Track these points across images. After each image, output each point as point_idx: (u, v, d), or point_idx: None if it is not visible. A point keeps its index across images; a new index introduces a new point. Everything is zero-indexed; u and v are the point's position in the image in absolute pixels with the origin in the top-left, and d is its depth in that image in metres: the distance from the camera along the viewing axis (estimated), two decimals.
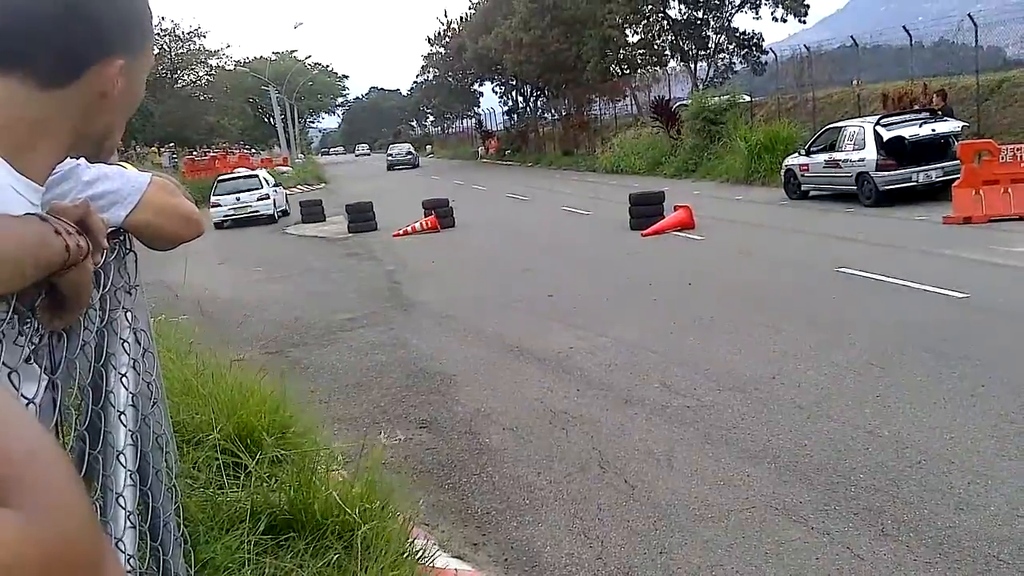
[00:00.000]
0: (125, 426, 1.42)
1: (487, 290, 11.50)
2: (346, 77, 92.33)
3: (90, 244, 1.03)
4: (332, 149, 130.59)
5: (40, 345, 1.06)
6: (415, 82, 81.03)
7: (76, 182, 1.27)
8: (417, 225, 18.58)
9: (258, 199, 25.55)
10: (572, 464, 5.29)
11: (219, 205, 25.14)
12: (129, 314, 1.53)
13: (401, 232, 18.42)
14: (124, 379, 1.46)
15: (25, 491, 0.53)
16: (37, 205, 1.05)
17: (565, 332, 8.60)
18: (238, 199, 25.39)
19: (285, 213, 26.78)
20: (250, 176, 27.13)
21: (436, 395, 7.05)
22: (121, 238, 1.39)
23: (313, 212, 24.36)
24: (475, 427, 6.17)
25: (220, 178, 27.22)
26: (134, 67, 1.11)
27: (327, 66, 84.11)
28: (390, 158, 58.34)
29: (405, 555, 3.27)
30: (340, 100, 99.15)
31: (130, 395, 1.47)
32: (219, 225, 24.45)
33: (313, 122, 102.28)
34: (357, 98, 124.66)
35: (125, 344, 1.48)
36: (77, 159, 1.25)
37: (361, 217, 20.45)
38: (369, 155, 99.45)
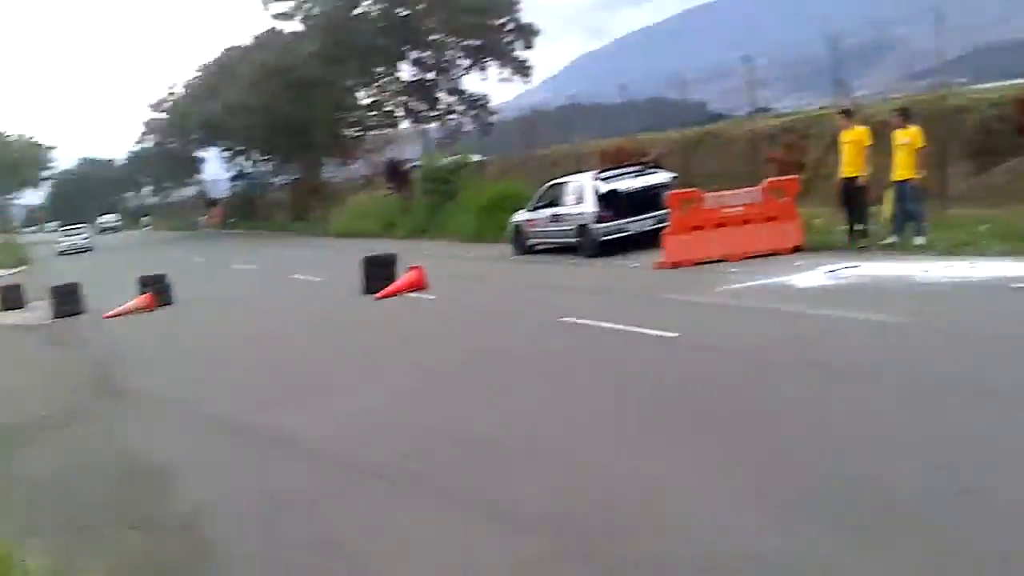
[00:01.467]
0: None
1: (207, 369, 10.79)
2: (53, 148, 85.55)
3: None
4: (45, 225, 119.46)
5: None
6: (131, 151, 76.53)
7: None
8: (131, 304, 17.20)
9: None
10: (301, 550, 4.92)
11: None
12: None
13: (113, 313, 16.96)
14: None
15: None
16: None
17: (292, 407, 8.17)
18: None
19: None
20: None
21: (152, 490, 6.37)
22: None
23: (10, 298, 21.86)
24: (195, 521, 5.62)
25: None
26: None
27: (31, 137, 77.59)
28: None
29: None
30: (46, 173, 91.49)
31: None
32: None
33: (15, 198, 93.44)
34: (66, 170, 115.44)
35: None
36: None
37: (67, 300, 18.57)
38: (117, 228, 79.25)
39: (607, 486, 5.19)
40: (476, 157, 29.14)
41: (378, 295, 14.65)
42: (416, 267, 15.31)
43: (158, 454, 7.25)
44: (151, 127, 63.88)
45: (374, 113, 40.40)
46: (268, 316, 14.75)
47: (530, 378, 8.16)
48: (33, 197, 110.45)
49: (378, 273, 15.38)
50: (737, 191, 14.74)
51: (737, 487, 4.89)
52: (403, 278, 15.15)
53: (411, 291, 14.71)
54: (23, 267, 39.55)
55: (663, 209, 15.53)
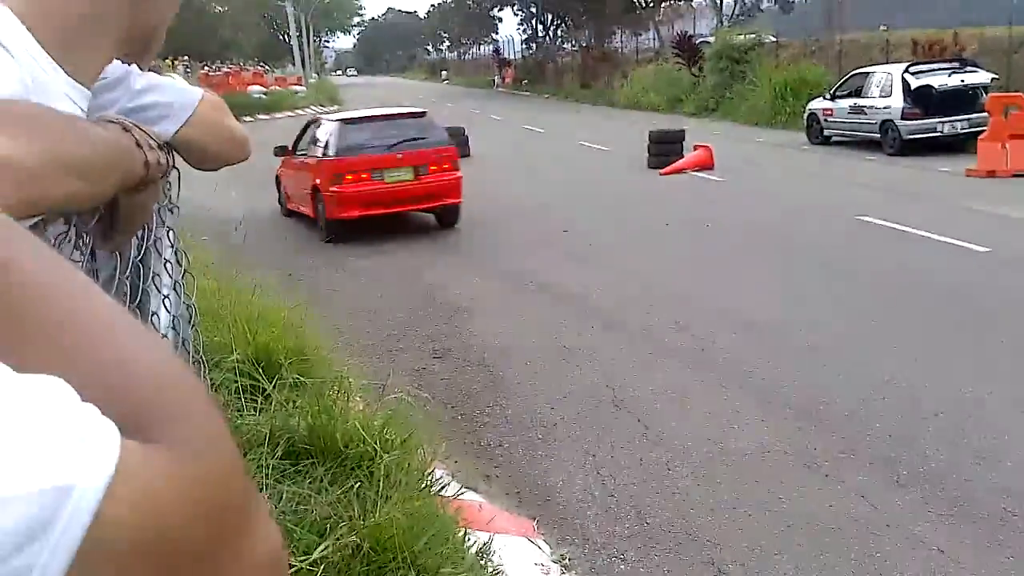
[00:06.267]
0: None
1: (501, 223, 11.40)
2: None
3: (169, 162, 0.96)
4: (348, 70, 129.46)
5: (93, 265, 1.01)
6: (432, 4, 79.56)
7: (126, 90, 1.20)
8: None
9: None
10: (586, 401, 5.29)
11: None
12: (171, 233, 1.48)
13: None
14: (167, 301, 1.41)
15: (171, 422, 0.45)
16: (84, 112, 0.97)
17: (580, 268, 8.55)
18: None
19: None
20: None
21: (449, 326, 7.04)
22: (167, 153, 1.32)
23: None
24: (488, 360, 6.17)
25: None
26: None
27: None
28: None
29: (425, 487, 3.27)
30: (356, 20, 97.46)
31: (171, 317, 1.43)
32: None
33: (328, 42, 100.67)
34: (373, 18, 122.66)
35: (168, 264, 1.43)
36: (127, 64, 1.18)
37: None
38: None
39: (896, 394, 5.07)
40: (772, 37, 27.54)
41: (664, 171, 14.61)
42: (704, 146, 15.03)
43: (457, 294, 7.92)
44: None
45: None
46: (558, 180, 15.15)
47: (821, 272, 7.94)
48: (344, 42, 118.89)
49: (665, 149, 15.28)
50: None
51: None
52: (690, 156, 14.96)
53: (698, 170, 14.53)
54: (335, 107, 43.09)
55: (980, 112, 14.25)
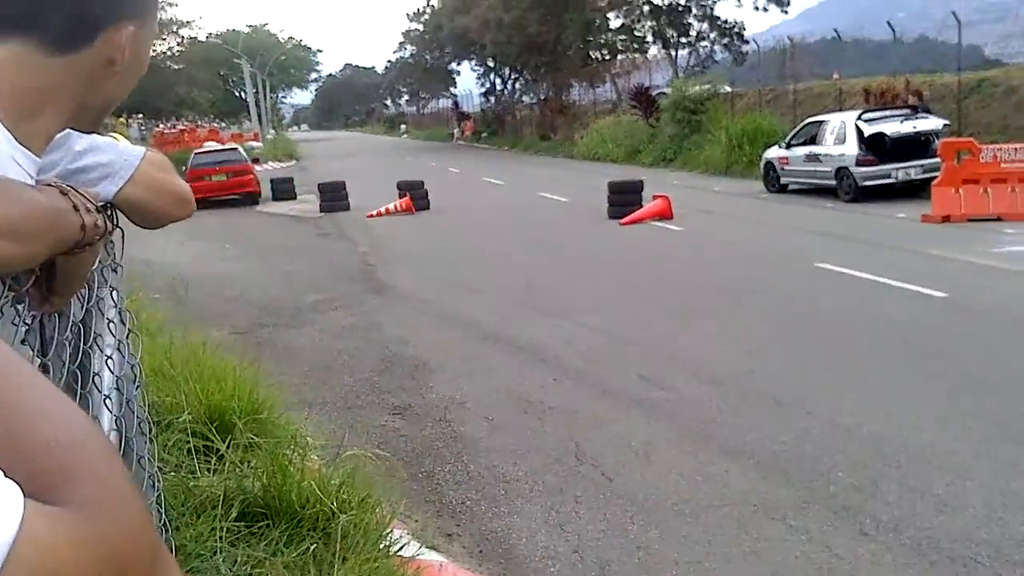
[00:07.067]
0: (110, 411, 1.33)
1: (462, 275, 11.39)
2: (320, 52, 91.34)
3: (107, 224, 0.96)
4: (302, 126, 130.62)
5: (32, 326, 0.98)
6: (390, 60, 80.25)
7: (67, 152, 1.18)
8: (391, 206, 18.38)
9: None
10: (548, 455, 5.23)
11: None
12: (115, 293, 1.44)
13: (375, 213, 18.23)
14: (110, 361, 1.36)
15: (77, 484, 0.46)
16: (33, 177, 0.97)
17: (542, 320, 8.54)
18: None
19: None
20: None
21: (410, 381, 6.95)
22: (108, 213, 1.29)
23: (284, 190, 24.01)
24: (449, 415, 6.08)
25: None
26: (142, 35, 1.04)
27: (300, 40, 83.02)
28: None
29: (384, 547, 3.18)
30: (313, 76, 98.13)
31: (115, 378, 1.38)
32: None
33: (285, 97, 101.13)
34: (331, 74, 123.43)
35: (111, 324, 1.39)
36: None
37: (333, 196, 20.19)
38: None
39: (858, 442, 5.08)
40: (727, 87, 28.18)
41: (623, 221, 14.75)
42: (663, 196, 15.23)
43: (417, 348, 7.85)
44: (409, 37, 66.43)
45: (624, 37, 39.90)
46: (518, 231, 15.24)
47: (781, 320, 8.00)
48: (302, 97, 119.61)
49: (624, 199, 15.46)
50: (1019, 145, 13.47)
51: (1005, 465, 4.64)
52: (649, 206, 15.13)
53: (657, 220, 14.68)
54: (293, 162, 43.12)
55: (932, 158, 14.63)
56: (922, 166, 15.18)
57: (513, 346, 7.73)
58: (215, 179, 22.56)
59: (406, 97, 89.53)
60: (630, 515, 4.38)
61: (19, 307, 0.95)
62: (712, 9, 37.26)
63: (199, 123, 50.55)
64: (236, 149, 25.43)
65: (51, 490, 0.45)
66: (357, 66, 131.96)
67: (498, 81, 55.30)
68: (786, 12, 36.71)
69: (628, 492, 4.64)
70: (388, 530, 3.37)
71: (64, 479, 0.46)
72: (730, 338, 7.51)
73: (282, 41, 72.01)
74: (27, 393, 0.49)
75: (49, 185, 0.96)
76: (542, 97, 44.33)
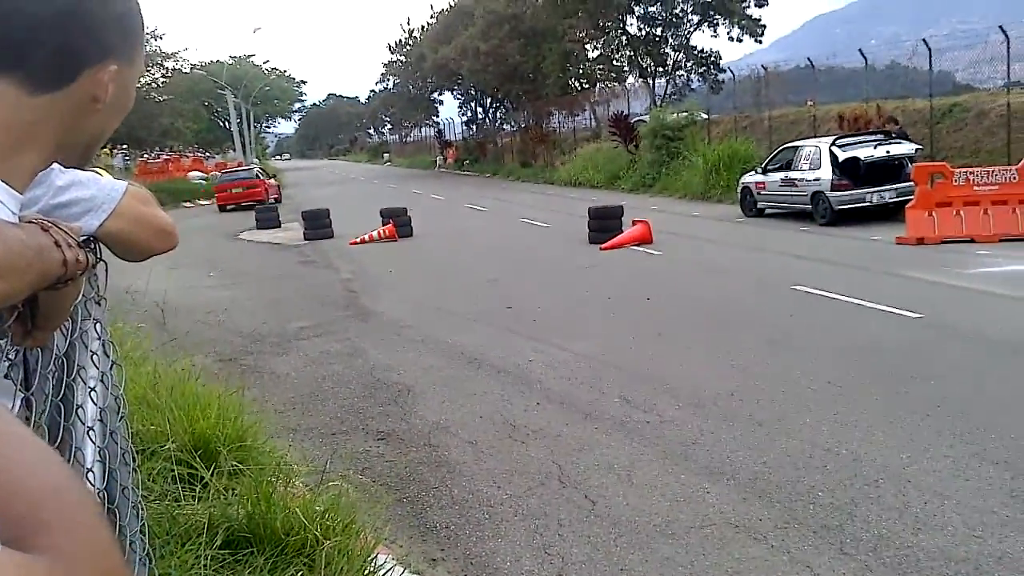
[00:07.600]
0: (93, 443, 1.36)
1: (446, 301, 11.43)
2: (304, 83, 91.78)
3: (89, 259, 0.97)
4: (283, 155, 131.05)
5: (15, 360, 1.00)
6: (373, 90, 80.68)
7: (49, 187, 1.21)
8: (375, 233, 18.43)
9: None
10: (532, 479, 5.25)
11: None
12: (98, 325, 1.47)
13: (358, 240, 18.27)
14: (93, 393, 1.39)
15: (51, 533, 0.46)
16: (15, 214, 0.99)
17: (524, 344, 8.58)
18: None
19: None
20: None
21: (393, 407, 6.97)
22: (92, 247, 1.33)
23: (268, 218, 24.06)
24: (433, 440, 6.10)
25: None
26: (126, 73, 1.05)
27: (284, 71, 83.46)
28: None
29: (368, 573, 3.20)
30: (297, 106, 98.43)
31: (99, 410, 1.41)
32: None
33: (269, 127, 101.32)
34: (314, 104, 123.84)
35: (94, 357, 1.42)
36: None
37: (317, 224, 20.24)
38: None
39: (838, 463, 5.14)
40: (704, 115, 28.52)
41: (604, 246, 14.85)
42: (642, 220, 15.36)
43: (401, 374, 7.87)
44: (391, 68, 66.84)
45: (602, 67, 40.37)
46: (501, 257, 15.32)
47: (761, 342, 8.07)
48: (285, 127, 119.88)
49: (604, 224, 15.59)
50: (991, 168, 13.82)
51: (982, 484, 4.71)
52: (630, 231, 15.25)
53: (637, 244, 14.80)
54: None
55: (906, 182, 14.92)
56: (896, 189, 15.42)
57: (496, 370, 7.77)
58: (234, 191, 32.37)
59: (389, 126, 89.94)
60: (613, 537, 4.41)
61: (1, 342, 0.96)
62: (688, 39, 37.72)
63: (183, 153, 50.42)
64: (251, 169, 36.53)
65: (26, 538, 0.45)
66: (340, 96, 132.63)
67: (480, 110, 55.72)
68: (760, 42, 37.22)
69: (611, 514, 4.67)
70: (373, 556, 3.39)
71: (40, 528, 0.46)
72: (710, 361, 7.58)
73: (266, 72, 72.28)
74: (4, 440, 0.50)
75: (30, 222, 0.97)
76: (523, 125, 44.60)
